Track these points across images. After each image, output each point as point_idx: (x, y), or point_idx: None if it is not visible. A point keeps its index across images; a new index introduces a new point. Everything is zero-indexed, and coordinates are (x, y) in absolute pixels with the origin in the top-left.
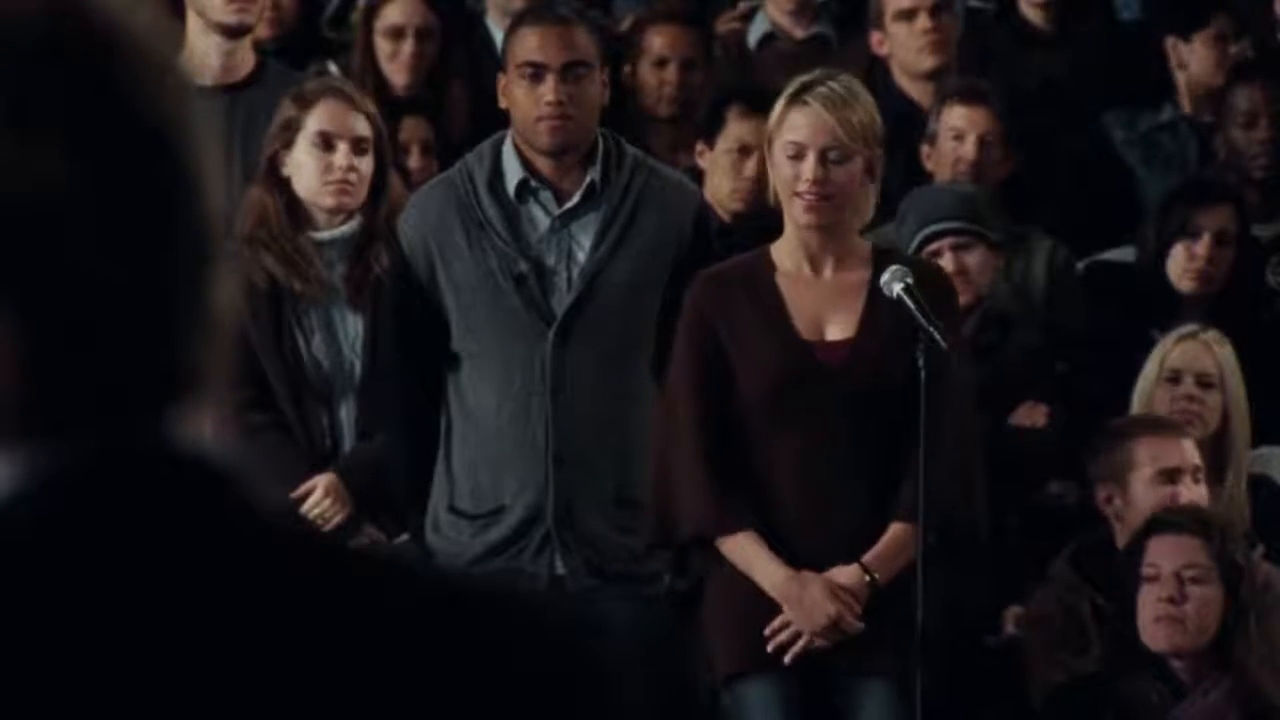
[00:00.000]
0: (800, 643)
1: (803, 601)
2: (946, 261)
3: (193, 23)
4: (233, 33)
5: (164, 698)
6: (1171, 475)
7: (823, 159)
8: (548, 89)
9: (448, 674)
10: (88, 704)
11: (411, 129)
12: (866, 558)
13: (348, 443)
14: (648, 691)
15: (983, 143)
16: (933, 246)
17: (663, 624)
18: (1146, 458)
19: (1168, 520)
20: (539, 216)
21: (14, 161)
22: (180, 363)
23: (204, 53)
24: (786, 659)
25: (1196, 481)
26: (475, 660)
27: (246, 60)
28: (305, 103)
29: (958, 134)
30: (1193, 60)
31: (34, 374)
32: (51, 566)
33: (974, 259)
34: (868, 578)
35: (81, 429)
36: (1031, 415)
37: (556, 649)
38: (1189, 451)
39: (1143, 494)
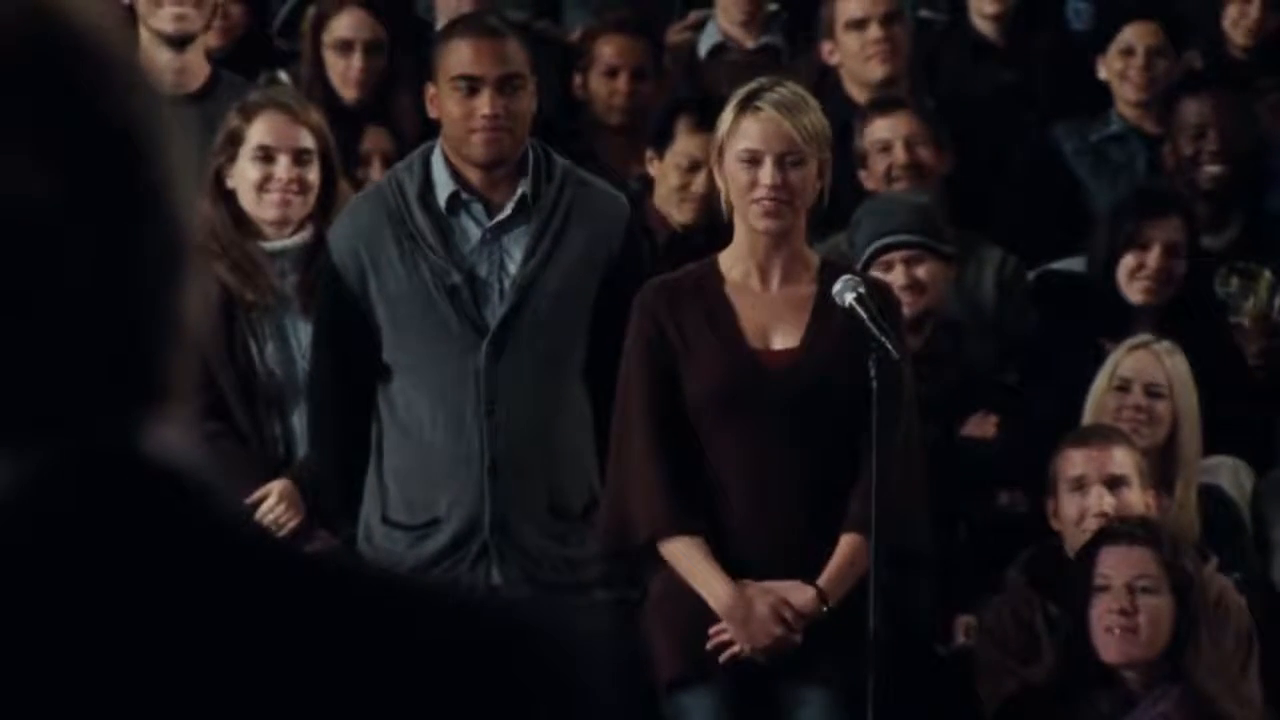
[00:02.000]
0: (738, 650)
1: (747, 621)
2: (898, 274)
3: (143, 34)
4: (175, 42)
5: (130, 703)
6: (1087, 483)
7: (780, 164)
8: (483, 102)
9: (418, 677)
10: (54, 711)
11: (374, 140)
12: (823, 580)
13: (300, 450)
14: (614, 694)
15: (908, 144)
16: (885, 258)
17: (625, 627)
18: (1070, 467)
19: (1118, 531)
20: (470, 228)
21: None
22: (150, 369)
23: (156, 64)
24: (721, 659)
25: (1127, 488)
26: (446, 663)
27: (200, 71)
28: (247, 115)
29: (884, 145)
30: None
31: (4, 379)
32: (17, 572)
33: (926, 271)
34: (824, 606)
35: (50, 435)
36: (982, 426)
37: (528, 651)
38: (1117, 460)
39: (1067, 503)
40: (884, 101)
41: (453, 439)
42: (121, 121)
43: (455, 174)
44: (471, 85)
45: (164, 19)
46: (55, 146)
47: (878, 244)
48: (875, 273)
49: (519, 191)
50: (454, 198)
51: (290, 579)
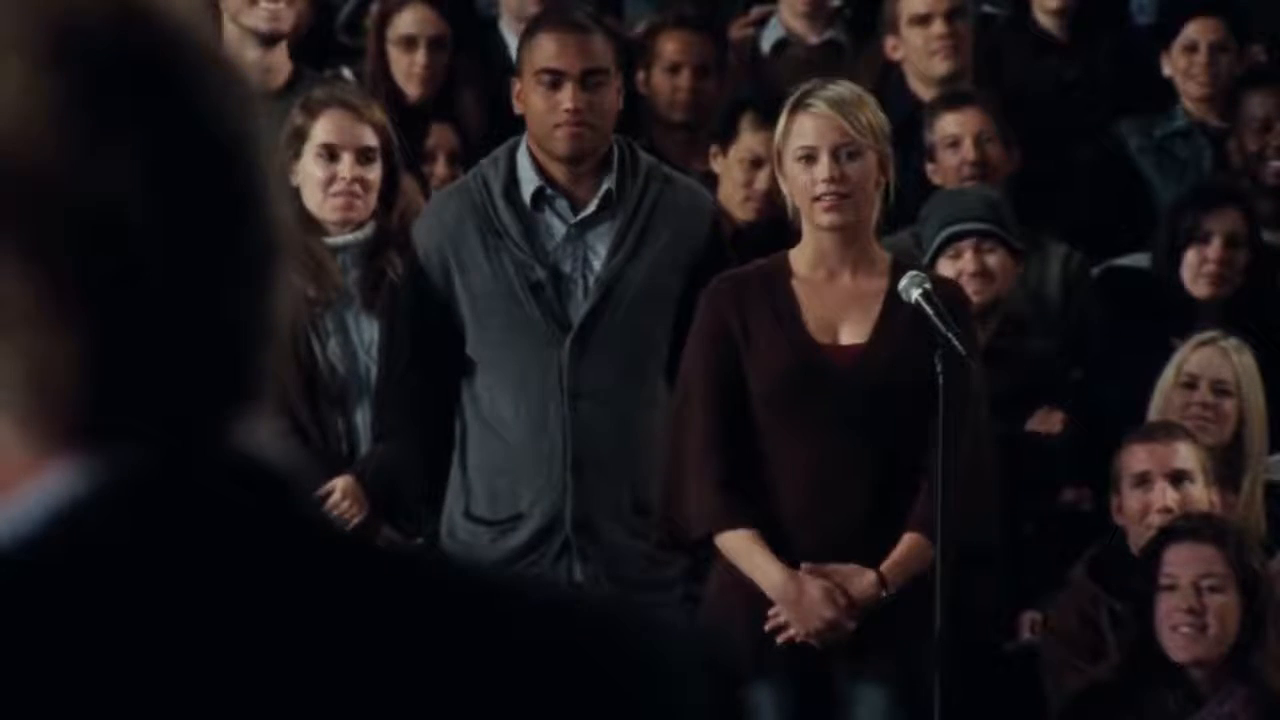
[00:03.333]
0: (793, 634)
1: (800, 604)
2: (968, 261)
3: (229, 29)
4: (266, 40)
5: (232, 705)
6: (1151, 479)
7: (835, 157)
8: (566, 96)
9: (519, 677)
10: (155, 713)
11: (440, 136)
12: (885, 566)
13: (364, 446)
14: (707, 694)
15: (978, 141)
16: (955, 246)
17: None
18: (1134, 463)
19: (1183, 528)
20: (555, 224)
21: (84, 163)
22: (243, 369)
23: (240, 60)
24: (778, 639)
25: (1191, 484)
26: (546, 662)
27: (283, 68)
28: (311, 112)
29: (953, 140)
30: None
31: (98, 378)
32: (116, 572)
33: (995, 261)
34: (884, 592)
35: (145, 434)
36: (1047, 422)
37: (625, 650)
38: (1181, 455)
39: (1131, 499)
40: (955, 96)
41: (535, 435)
42: (217, 121)
43: (540, 169)
44: (555, 79)
45: (258, 17)
46: (153, 143)
47: (948, 231)
48: (945, 261)
49: (604, 187)
50: (539, 193)
51: (388, 577)
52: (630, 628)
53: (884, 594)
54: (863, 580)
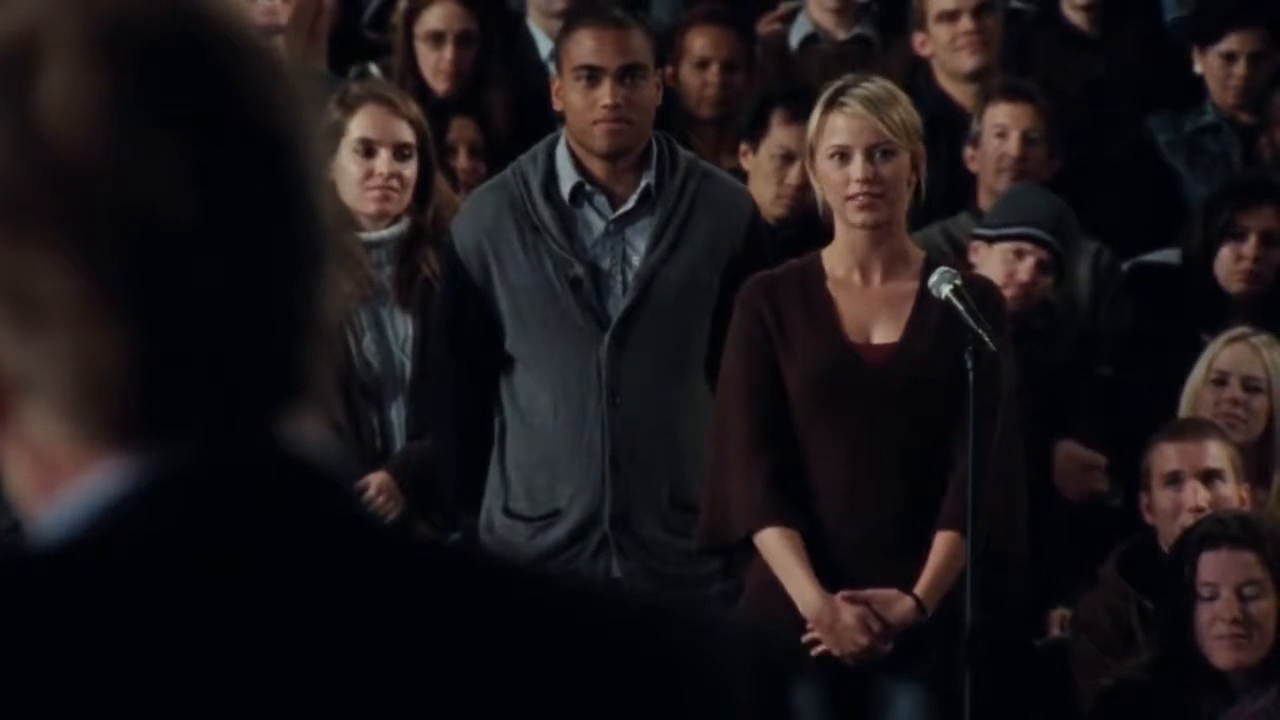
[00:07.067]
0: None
1: (834, 629)
2: (1026, 266)
3: None
4: (263, 33)
5: (280, 701)
6: (1182, 478)
7: (869, 157)
8: (604, 92)
9: (577, 674)
10: (202, 711)
11: (460, 130)
12: (920, 588)
13: (398, 442)
14: (757, 692)
15: (1026, 139)
16: (1021, 245)
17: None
18: (1164, 462)
19: (1217, 533)
20: (593, 220)
21: (133, 160)
22: (291, 364)
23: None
24: (812, 652)
25: (1222, 482)
26: (600, 659)
27: None
28: (348, 107)
29: (1001, 131)
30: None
31: (146, 376)
32: (162, 570)
33: (1047, 280)
34: (923, 615)
35: (193, 432)
36: (1091, 478)
37: (676, 648)
38: (1212, 454)
39: (1161, 498)
40: (1013, 89)
41: (574, 431)
42: (265, 118)
43: (579, 165)
44: (592, 75)
45: (255, 11)
46: (199, 144)
47: (1027, 230)
48: (1005, 248)
49: (643, 183)
50: (577, 189)
51: (438, 573)
52: (680, 625)
53: (923, 613)
54: (900, 606)
